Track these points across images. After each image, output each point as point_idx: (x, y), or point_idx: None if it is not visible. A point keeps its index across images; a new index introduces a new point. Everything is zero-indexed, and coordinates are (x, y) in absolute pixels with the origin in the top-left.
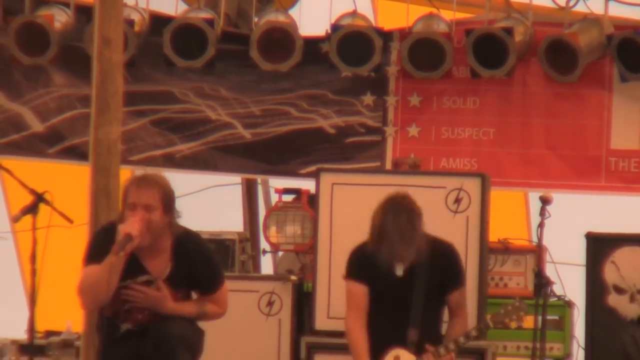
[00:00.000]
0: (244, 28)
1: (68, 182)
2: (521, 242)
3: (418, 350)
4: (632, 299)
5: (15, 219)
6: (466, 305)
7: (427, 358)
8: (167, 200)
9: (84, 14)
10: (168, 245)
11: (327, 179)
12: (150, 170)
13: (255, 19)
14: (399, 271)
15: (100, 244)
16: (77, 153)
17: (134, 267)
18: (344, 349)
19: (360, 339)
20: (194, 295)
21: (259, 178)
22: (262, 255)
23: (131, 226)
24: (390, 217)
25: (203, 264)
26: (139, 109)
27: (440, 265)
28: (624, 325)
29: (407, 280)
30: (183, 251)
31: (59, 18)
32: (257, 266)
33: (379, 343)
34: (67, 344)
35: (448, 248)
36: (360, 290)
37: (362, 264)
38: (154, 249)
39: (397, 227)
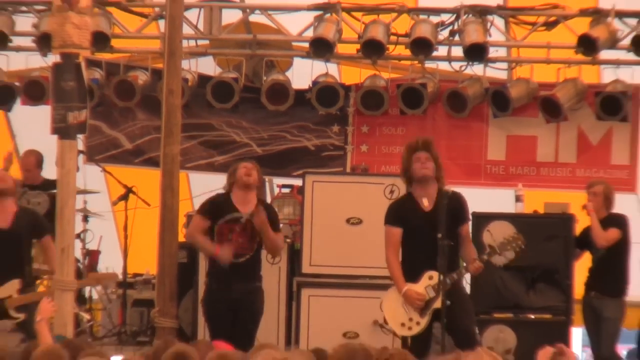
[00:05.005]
0: (257, 83)
1: (147, 181)
2: None
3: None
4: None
5: (114, 204)
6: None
7: (458, 273)
8: (258, 172)
9: (157, 74)
10: (254, 200)
11: (310, 178)
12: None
13: (265, 78)
14: (425, 202)
15: (211, 205)
16: (152, 162)
17: (230, 209)
18: (321, 285)
19: (397, 268)
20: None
21: (267, 178)
22: None
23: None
24: (406, 147)
25: (272, 213)
26: (191, 134)
27: (456, 205)
28: (495, 270)
29: (432, 214)
30: (262, 204)
31: (141, 77)
32: None
33: (415, 267)
34: (147, 282)
35: (460, 195)
36: (396, 232)
37: (396, 211)
38: (246, 201)
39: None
